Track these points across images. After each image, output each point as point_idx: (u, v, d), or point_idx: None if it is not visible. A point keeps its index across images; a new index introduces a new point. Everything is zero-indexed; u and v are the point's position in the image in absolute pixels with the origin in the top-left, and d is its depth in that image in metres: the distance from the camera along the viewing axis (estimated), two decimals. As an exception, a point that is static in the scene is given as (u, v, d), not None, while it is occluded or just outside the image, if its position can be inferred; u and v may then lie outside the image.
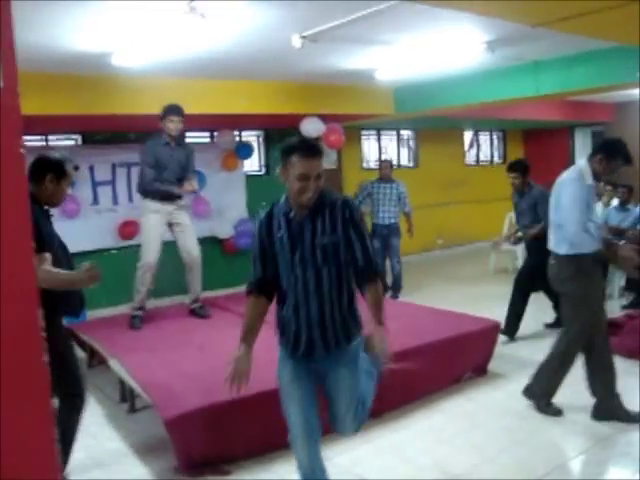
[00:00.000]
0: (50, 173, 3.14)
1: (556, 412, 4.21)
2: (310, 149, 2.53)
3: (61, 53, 4.88)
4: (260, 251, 2.66)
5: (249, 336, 2.67)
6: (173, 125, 5.53)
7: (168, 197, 5.71)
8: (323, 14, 4.20)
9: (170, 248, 5.95)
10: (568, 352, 4.12)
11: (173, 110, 5.52)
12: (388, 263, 7.97)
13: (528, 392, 4.33)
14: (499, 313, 5.69)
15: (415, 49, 5.63)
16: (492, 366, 5.05)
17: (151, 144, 5.67)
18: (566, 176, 4.09)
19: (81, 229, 7.53)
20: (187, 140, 8.10)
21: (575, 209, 3.90)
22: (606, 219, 7.37)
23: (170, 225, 5.86)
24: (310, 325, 2.62)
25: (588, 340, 4.10)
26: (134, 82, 6.04)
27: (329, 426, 2.83)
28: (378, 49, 5.58)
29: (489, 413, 4.30)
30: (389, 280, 7.94)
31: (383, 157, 10.40)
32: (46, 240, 2.95)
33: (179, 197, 5.84)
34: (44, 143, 7.69)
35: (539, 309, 6.31)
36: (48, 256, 2.86)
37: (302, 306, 2.61)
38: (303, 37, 4.63)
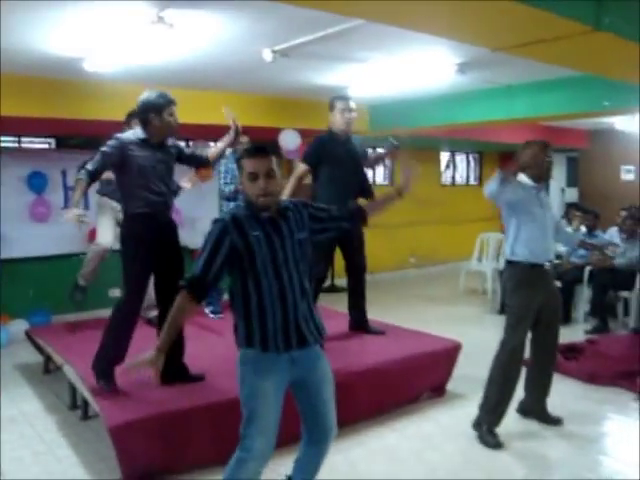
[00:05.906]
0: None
1: (495, 444, 4.05)
2: (257, 148, 2.69)
3: (35, 56, 4.88)
4: (211, 250, 2.60)
5: (167, 347, 2.58)
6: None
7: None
8: (292, 30, 4.25)
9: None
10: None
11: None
12: None
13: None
14: (462, 333, 5.68)
15: (388, 68, 5.68)
16: (451, 386, 5.05)
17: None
18: None
19: (51, 233, 7.49)
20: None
21: None
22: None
23: None
24: (297, 305, 2.68)
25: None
26: (106, 88, 6.02)
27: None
28: (350, 66, 5.62)
29: (445, 434, 4.28)
30: None
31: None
32: None
33: None
34: (17, 145, 7.64)
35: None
36: None
37: (288, 290, 2.66)
38: (274, 51, 4.66)
